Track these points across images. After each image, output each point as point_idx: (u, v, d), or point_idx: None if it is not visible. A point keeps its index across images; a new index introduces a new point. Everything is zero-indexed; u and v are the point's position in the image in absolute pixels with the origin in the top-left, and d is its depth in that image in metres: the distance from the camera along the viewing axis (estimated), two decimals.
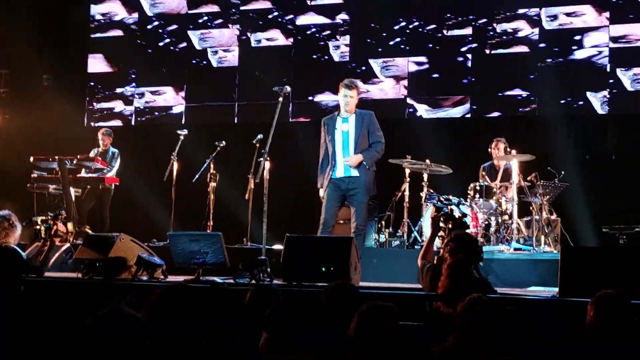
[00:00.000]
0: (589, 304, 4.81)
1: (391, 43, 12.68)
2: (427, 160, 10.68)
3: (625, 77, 11.41)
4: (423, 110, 12.42)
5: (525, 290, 8.40)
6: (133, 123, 14.11)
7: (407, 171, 10.73)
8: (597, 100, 11.51)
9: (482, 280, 6.41)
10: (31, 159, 11.42)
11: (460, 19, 12.32)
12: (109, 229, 11.52)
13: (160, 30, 14.06)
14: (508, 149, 10.69)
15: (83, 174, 11.70)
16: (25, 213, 9.63)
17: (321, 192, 8.83)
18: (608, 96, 11.46)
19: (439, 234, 6.88)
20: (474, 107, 12.15)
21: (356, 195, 8.70)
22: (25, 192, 11.47)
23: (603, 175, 11.18)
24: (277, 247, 9.40)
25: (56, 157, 11.32)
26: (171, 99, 13.94)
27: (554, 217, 10.34)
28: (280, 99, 8.90)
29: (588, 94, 11.58)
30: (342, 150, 8.77)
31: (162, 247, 9.66)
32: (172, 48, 14.01)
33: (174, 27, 13.97)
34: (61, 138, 13.49)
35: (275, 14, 13.39)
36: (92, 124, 14.11)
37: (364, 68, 12.76)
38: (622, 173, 11.10)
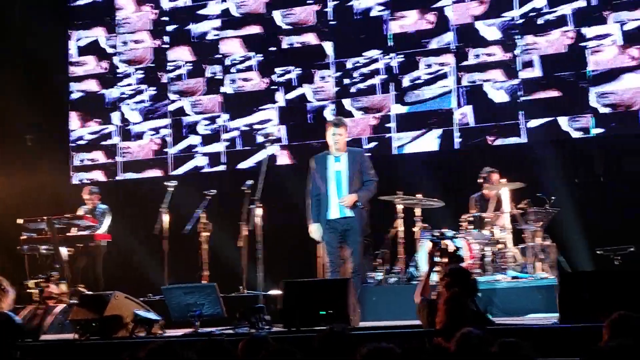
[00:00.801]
0: (604, 327, 4.77)
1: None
2: (419, 195, 10.67)
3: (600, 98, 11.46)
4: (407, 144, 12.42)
5: (525, 318, 8.37)
6: (120, 177, 14.05)
7: (399, 207, 10.70)
8: (579, 124, 11.54)
9: (480, 313, 6.40)
10: (19, 221, 11.35)
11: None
12: (104, 286, 11.45)
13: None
14: (499, 178, 10.68)
15: (73, 232, 11.64)
16: (17, 276, 9.60)
17: (312, 227, 8.74)
18: (591, 119, 11.48)
19: (436, 269, 6.87)
20: (461, 138, 12.13)
21: (351, 236, 8.67)
22: (16, 254, 11.39)
23: (593, 197, 11.16)
24: (274, 292, 9.37)
25: (45, 218, 11.26)
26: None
27: (548, 242, 10.32)
28: (268, 145, 8.91)
29: (567, 118, 11.59)
30: (336, 190, 8.74)
31: (159, 301, 9.62)
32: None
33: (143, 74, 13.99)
34: (48, 198, 13.43)
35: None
36: (78, 181, 14.04)
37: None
38: (611, 194, 11.09)
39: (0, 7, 14.15)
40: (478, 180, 10.91)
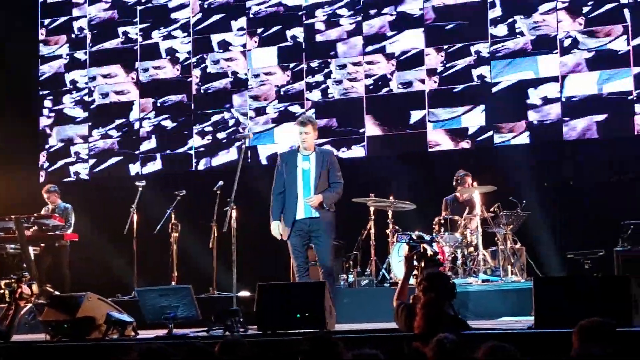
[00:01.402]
0: (573, 334, 4.80)
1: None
2: (391, 197, 10.70)
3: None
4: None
5: (498, 322, 8.42)
6: (88, 177, 13.92)
7: (372, 209, 10.72)
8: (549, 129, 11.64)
9: (456, 317, 6.42)
10: None
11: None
12: (70, 286, 11.35)
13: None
14: (472, 182, 10.75)
15: (40, 231, 11.53)
16: None
17: (272, 225, 8.68)
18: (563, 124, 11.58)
19: (413, 273, 6.88)
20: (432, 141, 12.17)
21: (319, 237, 8.60)
22: None
23: (564, 201, 11.25)
24: (244, 293, 9.35)
25: (12, 217, 11.17)
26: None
27: (518, 246, 10.41)
28: (243, 145, 8.85)
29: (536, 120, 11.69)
30: (302, 189, 8.68)
31: (128, 301, 9.57)
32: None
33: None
34: (15, 198, 13.28)
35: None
36: (48, 180, 13.89)
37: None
38: (581, 198, 11.18)
39: None
40: (453, 184, 10.96)
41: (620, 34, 11.41)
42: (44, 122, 14.22)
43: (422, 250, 6.79)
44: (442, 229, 10.38)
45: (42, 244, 11.61)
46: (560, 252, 10.62)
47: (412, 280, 7.00)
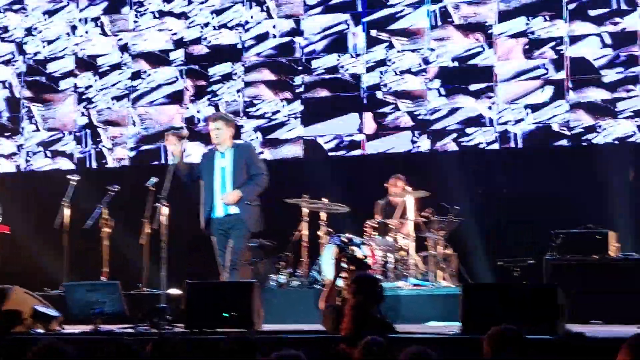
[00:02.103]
0: (484, 341, 4.86)
1: None
2: (324, 199, 10.71)
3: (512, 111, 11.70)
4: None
5: (425, 326, 8.48)
6: (19, 169, 13.72)
7: (305, 210, 10.73)
8: (484, 136, 11.76)
9: (383, 320, 6.46)
10: None
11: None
12: None
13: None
14: (406, 186, 10.80)
15: None
16: None
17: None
18: (495, 132, 11.71)
19: (342, 275, 6.90)
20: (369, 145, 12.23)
21: (234, 231, 8.54)
22: None
23: (496, 209, 11.37)
24: (174, 291, 9.29)
25: None
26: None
27: (450, 251, 10.50)
28: (175, 142, 8.76)
29: (474, 129, 11.80)
30: (220, 188, 8.62)
31: (57, 296, 9.44)
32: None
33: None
34: None
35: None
36: None
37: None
38: (513, 207, 11.30)
39: None
40: (385, 185, 11.02)
41: None
42: None
43: (351, 253, 6.83)
44: (374, 232, 10.42)
45: None
46: (491, 260, 10.72)
47: (341, 282, 7.05)
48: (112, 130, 13.34)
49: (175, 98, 13.09)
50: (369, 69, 12.27)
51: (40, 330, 7.70)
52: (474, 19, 11.94)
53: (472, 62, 11.91)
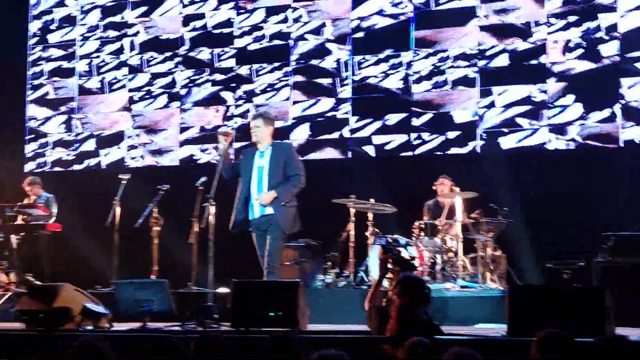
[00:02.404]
0: (532, 344, 4.82)
1: None
2: (372, 200, 10.70)
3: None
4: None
5: (473, 328, 8.43)
6: (73, 168, 13.94)
7: (352, 211, 10.73)
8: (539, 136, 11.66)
9: (430, 322, 6.43)
10: None
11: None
12: (49, 276, 11.34)
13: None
14: (453, 187, 10.77)
15: (23, 220, 11.53)
16: None
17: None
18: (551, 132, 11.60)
19: (387, 276, 6.88)
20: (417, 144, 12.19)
21: (270, 232, 8.50)
22: None
23: (547, 211, 11.25)
24: (222, 290, 9.34)
25: None
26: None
27: (498, 253, 10.43)
28: (223, 140, 8.78)
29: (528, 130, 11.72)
30: (257, 187, 8.60)
31: (106, 293, 9.54)
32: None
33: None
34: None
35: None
36: (31, 170, 13.90)
37: None
38: (564, 209, 11.18)
39: None
40: (432, 187, 10.99)
41: None
42: (30, 111, 14.24)
43: (396, 253, 6.81)
44: (422, 234, 10.39)
45: (24, 233, 11.60)
46: (540, 261, 10.62)
47: (386, 283, 7.03)
48: (160, 132, 13.51)
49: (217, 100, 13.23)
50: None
51: (89, 327, 7.79)
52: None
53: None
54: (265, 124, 8.66)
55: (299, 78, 12.82)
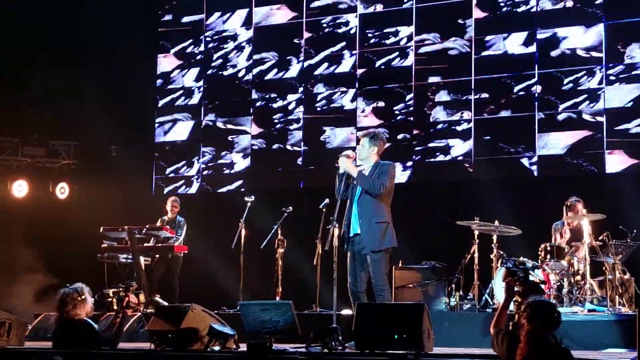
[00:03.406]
0: None
1: None
2: (496, 222, 10.58)
3: None
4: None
5: (602, 353, 8.24)
6: (199, 191, 14.27)
7: (476, 233, 10.63)
8: None
9: (560, 347, 6.31)
10: (101, 229, 11.59)
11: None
12: (179, 297, 11.60)
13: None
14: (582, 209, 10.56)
15: (151, 242, 11.85)
16: (97, 283, 9.79)
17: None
18: None
19: (514, 299, 6.77)
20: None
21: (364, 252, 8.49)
22: (96, 262, 11.64)
23: None
24: (346, 312, 9.35)
25: (125, 227, 11.49)
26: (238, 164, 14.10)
27: (627, 276, 10.16)
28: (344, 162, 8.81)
29: None
30: (354, 206, 8.61)
31: (233, 314, 9.68)
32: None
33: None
34: (129, 208, 13.69)
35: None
36: (160, 192, 14.29)
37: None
38: None
39: (93, 26, 14.42)
40: (563, 209, 10.79)
41: None
42: (160, 134, 14.68)
43: (523, 276, 6.68)
44: (549, 256, 10.20)
45: (157, 255, 11.90)
46: None
47: (512, 306, 6.91)
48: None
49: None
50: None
51: (217, 348, 7.90)
52: None
53: None
54: (370, 142, 8.69)
55: None
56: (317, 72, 13.74)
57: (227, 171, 14.17)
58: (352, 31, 13.57)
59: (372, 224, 8.49)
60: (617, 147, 11.75)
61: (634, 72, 11.82)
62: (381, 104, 13.24)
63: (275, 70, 14.03)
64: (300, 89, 13.79)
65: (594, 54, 12.07)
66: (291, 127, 13.82)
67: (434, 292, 10.63)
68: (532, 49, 12.42)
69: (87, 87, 14.36)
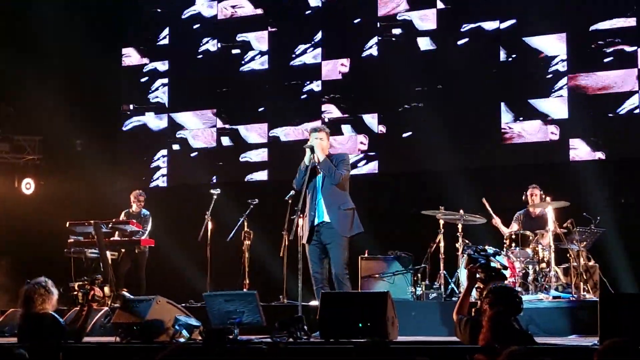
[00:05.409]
0: (595, 354, 4.67)
1: None
2: (461, 210, 10.63)
3: None
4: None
5: (566, 339, 8.30)
6: (166, 184, 14.22)
7: (441, 222, 10.67)
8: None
9: (523, 331, 6.35)
10: (67, 224, 11.52)
11: None
12: (146, 291, 11.56)
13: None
14: (543, 196, 10.64)
15: (117, 237, 11.79)
16: (63, 278, 9.74)
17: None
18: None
19: (476, 286, 6.80)
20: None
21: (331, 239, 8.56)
22: (62, 257, 11.57)
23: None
24: (313, 303, 9.37)
25: (92, 222, 11.42)
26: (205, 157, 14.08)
27: (592, 263, 10.25)
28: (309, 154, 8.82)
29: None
30: (316, 195, 8.63)
31: (200, 307, 9.66)
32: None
33: None
34: (94, 202, 13.62)
35: None
36: (125, 185, 14.21)
37: None
38: None
39: (52, 15, 14.27)
40: (523, 198, 10.87)
41: None
42: (125, 127, 14.62)
43: (484, 263, 6.71)
44: (514, 244, 10.27)
45: (123, 250, 11.85)
46: (635, 271, 10.40)
47: (475, 293, 6.94)
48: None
49: None
50: None
51: (182, 340, 7.88)
52: None
53: None
54: (327, 136, 8.74)
55: None
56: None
57: (193, 164, 14.11)
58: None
59: (340, 211, 8.56)
60: (580, 136, 11.81)
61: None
62: None
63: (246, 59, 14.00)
64: None
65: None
66: None
67: (400, 282, 10.66)
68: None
69: (49, 80, 14.15)
